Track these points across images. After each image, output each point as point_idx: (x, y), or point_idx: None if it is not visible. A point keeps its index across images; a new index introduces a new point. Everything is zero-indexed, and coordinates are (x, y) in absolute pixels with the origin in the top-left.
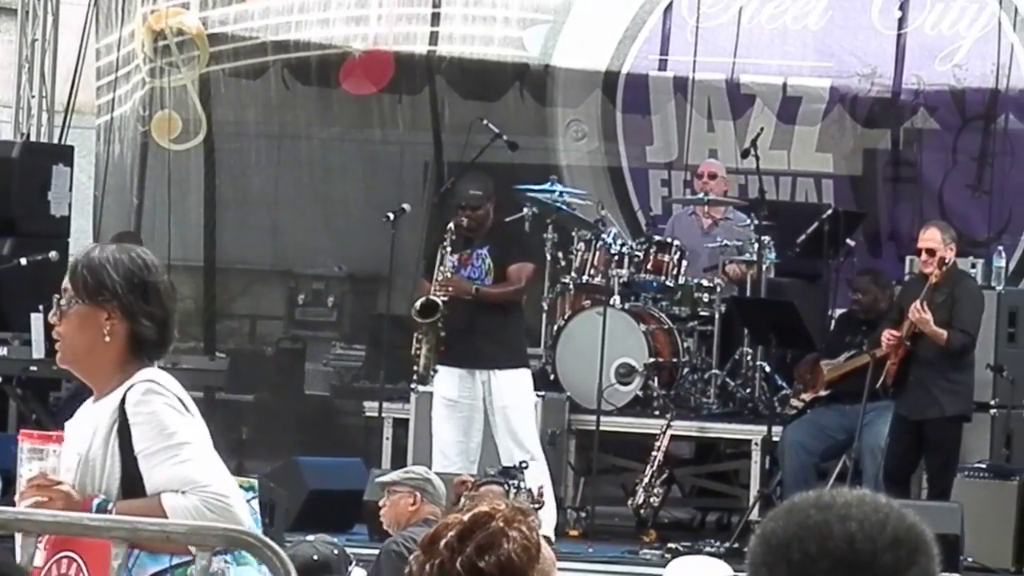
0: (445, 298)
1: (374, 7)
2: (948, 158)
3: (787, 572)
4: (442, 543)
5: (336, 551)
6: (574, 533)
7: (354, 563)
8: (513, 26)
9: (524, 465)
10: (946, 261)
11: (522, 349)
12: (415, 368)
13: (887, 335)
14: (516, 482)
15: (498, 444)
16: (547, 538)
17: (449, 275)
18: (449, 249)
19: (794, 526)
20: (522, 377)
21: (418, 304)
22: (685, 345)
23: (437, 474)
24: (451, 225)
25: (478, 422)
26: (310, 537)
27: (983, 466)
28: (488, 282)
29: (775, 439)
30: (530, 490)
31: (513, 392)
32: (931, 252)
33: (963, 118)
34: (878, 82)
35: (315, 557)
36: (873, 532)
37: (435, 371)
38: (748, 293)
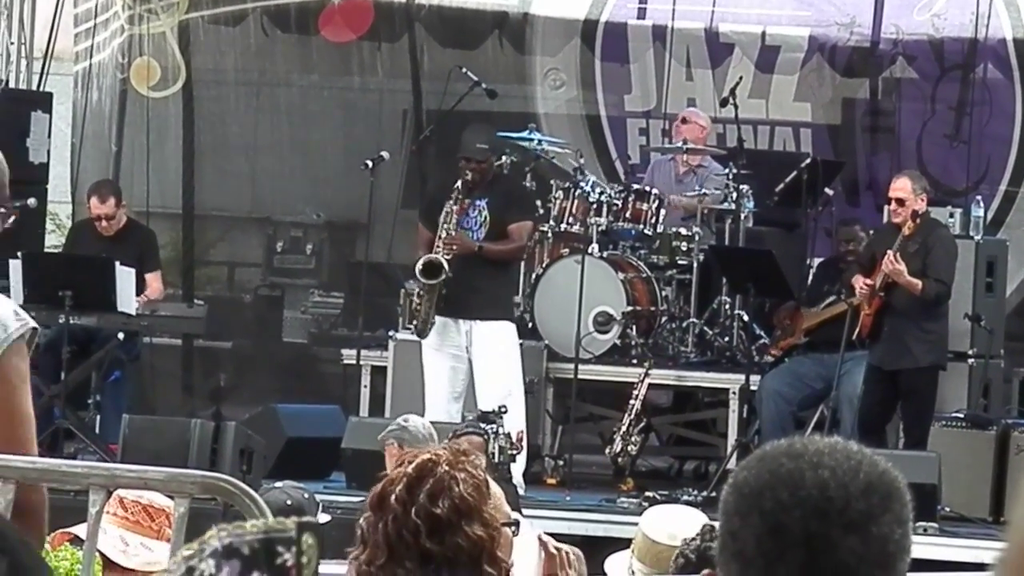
0: (449, 256)
1: None
2: (926, 108)
3: (760, 521)
4: (392, 498)
5: (306, 496)
6: (551, 481)
7: (320, 508)
8: None
9: (503, 410)
10: (918, 212)
11: (507, 302)
12: (414, 323)
13: (860, 284)
14: (495, 427)
15: (477, 395)
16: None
17: (454, 232)
18: (455, 208)
19: (766, 475)
20: (503, 329)
21: (421, 264)
22: (663, 294)
23: (437, 423)
24: (458, 184)
25: (462, 371)
26: (278, 484)
27: (961, 415)
28: (482, 234)
29: (753, 388)
30: (508, 435)
31: (493, 343)
32: (900, 201)
33: (941, 68)
34: (857, 31)
35: (288, 503)
36: (845, 479)
37: (433, 323)
38: (727, 242)
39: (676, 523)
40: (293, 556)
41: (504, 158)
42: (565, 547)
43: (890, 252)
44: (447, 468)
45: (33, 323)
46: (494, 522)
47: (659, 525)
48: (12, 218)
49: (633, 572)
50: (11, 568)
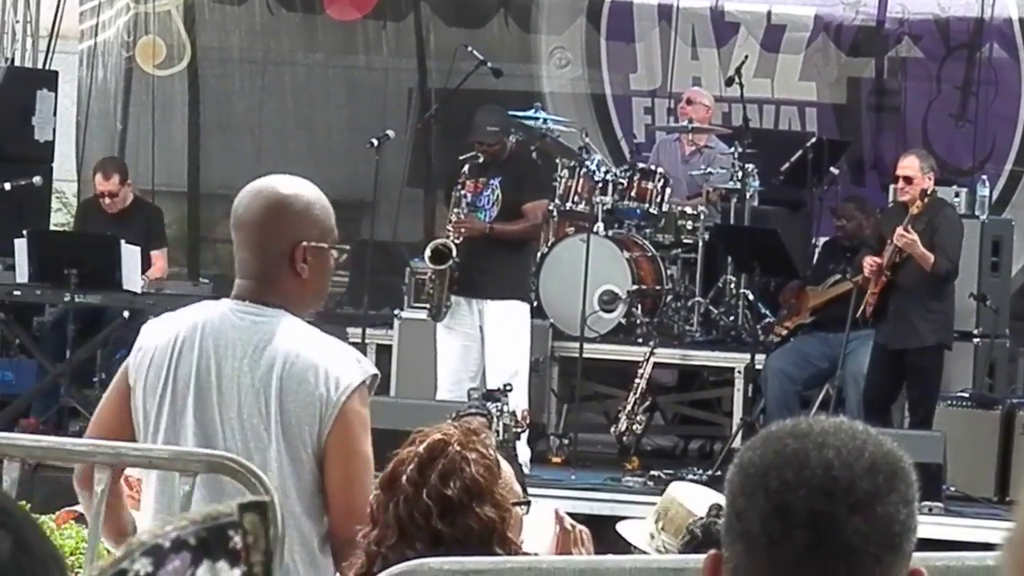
0: (459, 240)
1: None
2: (932, 87)
3: (765, 500)
4: (403, 479)
5: None
6: (556, 460)
7: None
8: None
9: (508, 388)
10: (926, 191)
11: (520, 282)
12: (428, 307)
13: (869, 261)
14: (499, 405)
15: (487, 373)
16: (520, 463)
17: (463, 215)
18: (463, 192)
19: (771, 455)
20: (515, 308)
21: (429, 250)
22: (668, 272)
23: (443, 402)
24: (465, 168)
25: (475, 350)
26: None
27: (966, 395)
28: (494, 213)
29: (758, 367)
30: (513, 413)
31: (505, 324)
32: (908, 180)
33: (947, 47)
34: (862, 11)
35: None
36: (850, 459)
37: (448, 306)
38: (732, 221)
39: (712, 497)
40: (240, 538)
41: (511, 137)
42: (578, 525)
43: (900, 227)
44: (458, 448)
45: (374, 370)
46: (505, 503)
47: (699, 498)
48: (344, 256)
49: (663, 546)
50: (16, 546)
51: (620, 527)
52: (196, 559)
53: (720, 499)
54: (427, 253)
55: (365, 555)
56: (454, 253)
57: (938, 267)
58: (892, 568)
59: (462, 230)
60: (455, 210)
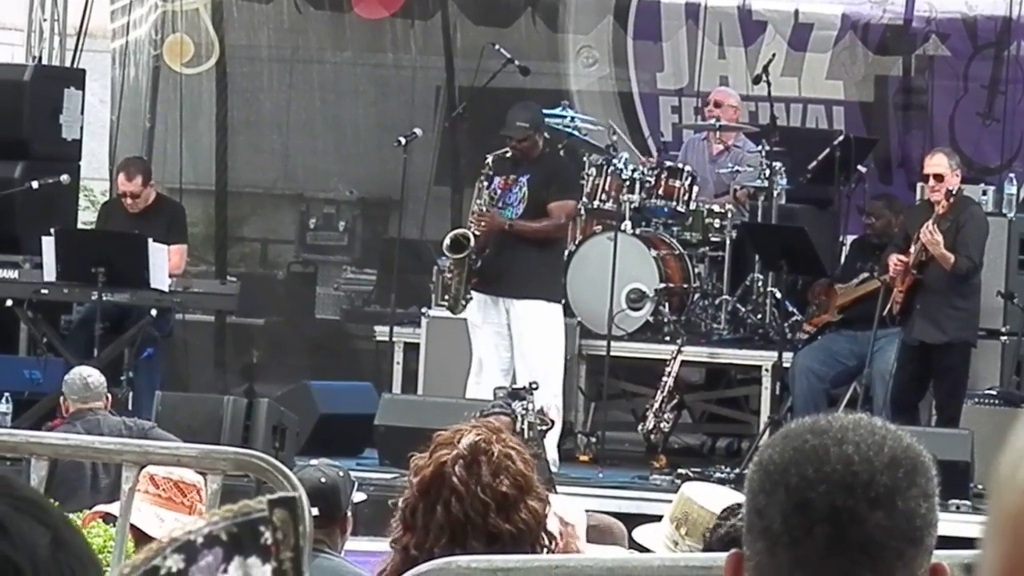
0: (478, 232)
1: None
2: (959, 85)
3: (785, 497)
4: (452, 479)
5: (341, 474)
6: (584, 458)
7: (355, 486)
8: None
9: (534, 386)
10: (952, 191)
11: (549, 282)
12: (446, 297)
13: (894, 260)
14: (524, 403)
15: (516, 373)
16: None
17: (485, 208)
18: (487, 184)
19: (791, 452)
20: (542, 309)
21: (448, 239)
22: (696, 271)
23: (470, 400)
24: (489, 159)
25: (504, 348)
26: (313, 461)
27: (993, 393)
28: (520, 210)
29: (785, 365)
30: (540, 410)
31: (531, 323)
32: (939, 177)
33: (974, 46)
34: (890, 9)
35: (323, 480)
36: (870, 454)
37: (467, 299)
38: (759, 219)
39: (726, 494)
40: (271, 534)
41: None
42: (572, 523)
43: (928, 224)
44: (500, 446)
45: None
46: (543, 495)
47: (716, 498)
48: None
49: (689, 548)
50: (53, 542)
51: (637, 534)
52: (228, 555)
53: (736, 497)
54: (446, 242)
55: (400, 560)
56: (471, 243)
57: (958, 266)
58: (914, 562)
59: (483, 222)
60: (478, 201)
